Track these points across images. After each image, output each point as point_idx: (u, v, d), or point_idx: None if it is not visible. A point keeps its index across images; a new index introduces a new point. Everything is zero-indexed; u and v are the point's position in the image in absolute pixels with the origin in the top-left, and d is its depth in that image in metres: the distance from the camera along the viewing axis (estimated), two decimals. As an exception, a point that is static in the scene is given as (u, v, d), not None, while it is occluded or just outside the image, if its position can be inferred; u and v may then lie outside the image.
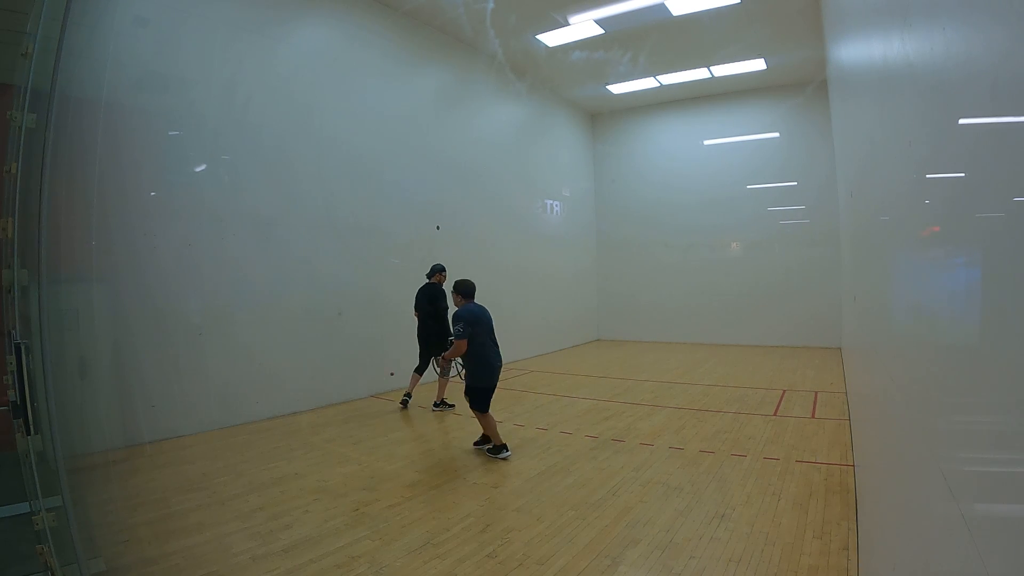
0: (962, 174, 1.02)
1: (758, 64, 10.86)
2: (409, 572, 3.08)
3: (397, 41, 8.60)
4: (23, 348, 2.22)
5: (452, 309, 5.33)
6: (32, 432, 2.26)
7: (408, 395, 7.03)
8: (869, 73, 2.55)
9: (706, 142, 12.97)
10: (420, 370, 7.00)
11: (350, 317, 7.67)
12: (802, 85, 11.22)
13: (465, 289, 5.15)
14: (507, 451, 5.02)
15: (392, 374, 7.37)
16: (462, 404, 7.14)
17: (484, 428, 5.11)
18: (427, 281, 6.98)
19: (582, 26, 9.16)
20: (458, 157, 9.83)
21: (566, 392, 7.95)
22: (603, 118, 14.30)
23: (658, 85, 12.12)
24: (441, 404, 6.96)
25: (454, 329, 4.92)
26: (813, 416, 6.21)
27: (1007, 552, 0.79)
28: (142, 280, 5.56)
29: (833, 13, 5.66)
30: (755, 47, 10.09)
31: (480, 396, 5.02)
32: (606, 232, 14.42)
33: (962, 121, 1.00)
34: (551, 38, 9.63)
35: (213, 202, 6.22)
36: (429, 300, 6.85)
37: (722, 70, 11.22)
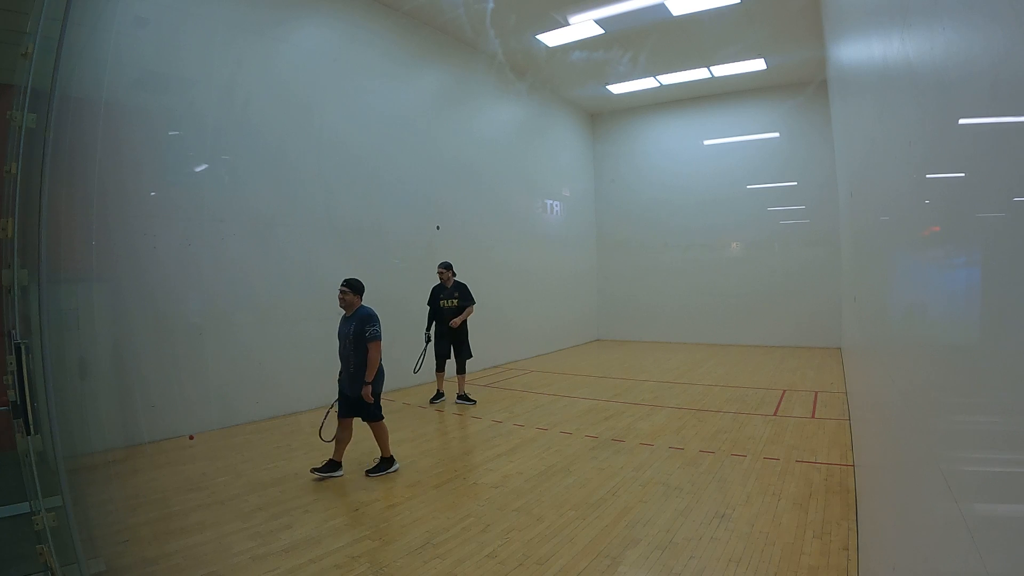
0: (962, 174, 1.02)
1: (758, 64, 10.86)
2: (409, 572, 3.08)
3: (397, 41, 8.60)
4: (23, 348, 2.22)
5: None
6: (32, 432, 2.26)
7: (440, 394, 7.27)
8: (869, 73, 2.54)
9: (706, 142, 12.97)
10: (441, 367, 7.21)
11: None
12: (802, 85, 11.22)
13: (363, 288, 4.77)
14: (397, 464, 4.74)
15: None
16: (481, 400, 7.33)
17: (381, 438, 4.72)
18: (449, 268, 7.08)
19: (582, 26, 9.16)
20: (458, 157, 9.83)
21: (566, 392, 7.95)
22: (603, 118, 14.30)
23: (658, 85, 12.12)
24: (464, 397, 7.20)
25: (370, 331, 4.52)
26: (813, 416, 6.21)
27: (1007, 552, 0.79)
28: (142, 280, 5.57)
29: (833, 13, 5.66)
30: (755, 47, 10.08)
31: (379, 402, 4.71)
32: (606, 232, 14.42)
33: (962, 121, 1.00)
34: (551, 38, 9.62)
35: (213, 202, 6.22)
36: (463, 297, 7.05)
37: (722, 70, 11.22)
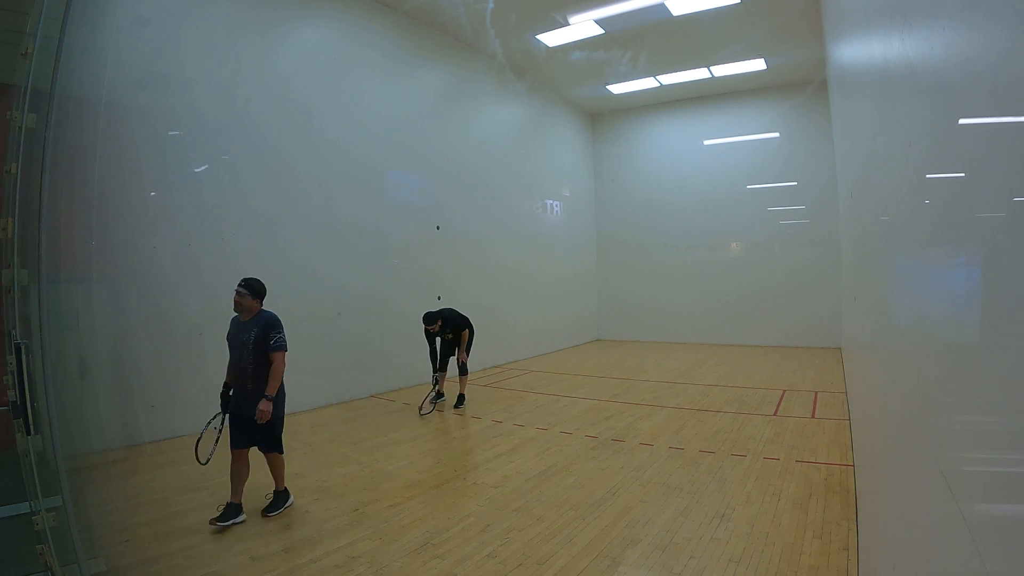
0: (962, 174, 1.02)
1: (758, 64, 10.86)
2: (409, 572, 3.08)
3: (397, 41, 8.60)
4: (23, 348, 2.22)
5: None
6: (32, 432, 2.26)
7: (440, 394, 7.15)
8: (869, 73, 2.55)
9: (706, 142, 12.97)
10: (443, 367, 7.12)
11: (349, 317, 7.67)
12: (802, 85, 11.22)
13: (264, 292, 4.07)
14: (292, 497, 4.06)
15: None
16: (481, 400, 7.24)
17: (278, 470, 3.99)
18: (434, 322, 6.70)
19: (582, 26, 9.16)
20: (458, 157, 9.83)
21: (566, 392, 7.95)
22: (603, 118, 14.30)
23: (658, 85, 12.12)
24: (461, 397, 7.13)
25: (276, 338, 3.86)
26: (813, 416, 6.21)
27: (1007, 552, 0.79)
28: (142, 280, 5.56)
29: (833, 13, 5.66)
30: (755, 47, 10.09)
31: (281, 428, 4.00)
32: (606, 232, 14.43)
33: (962, 121, 1.00)
34: (551, 38, 9.63)
35: (213, 202, 6.22)
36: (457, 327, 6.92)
37: (722, 70, 11.22)
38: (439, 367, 7.06)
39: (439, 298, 8.70)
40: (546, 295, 12.14)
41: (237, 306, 3.97)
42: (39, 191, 2.30)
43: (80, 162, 3.76)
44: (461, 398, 7.09)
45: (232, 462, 3.86)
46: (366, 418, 6.64)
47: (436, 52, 9.39)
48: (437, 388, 7.20)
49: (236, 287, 3.98)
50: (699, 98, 12.83)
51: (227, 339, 4.02)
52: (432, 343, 6.95)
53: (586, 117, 14.32)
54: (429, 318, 6.68)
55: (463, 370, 7.03)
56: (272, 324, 3.93)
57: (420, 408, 6.75)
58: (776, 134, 12.18)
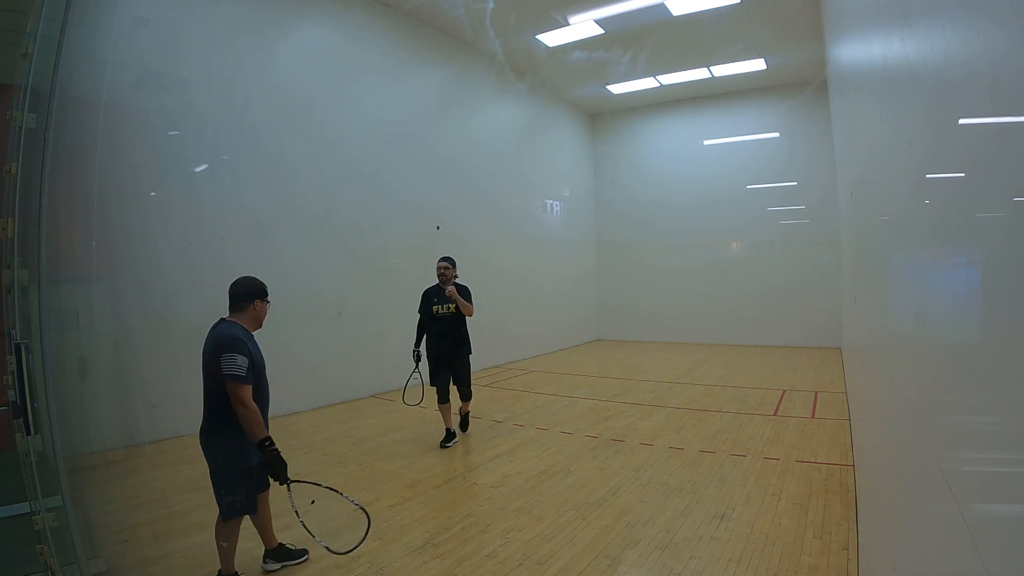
0: (962, 174, 1.02)
1: (758, 64, 10.86)
2: (409, 572, 3.08)
3: (397, 41, 8.60)
4: (23, 348, 2.22)
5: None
6: (32, 432, 2.26)
7: (451, 433, 5.58)
8: (869, 73, 2.55)
9: (706, 142, 12.97)
10: (444, 398, 5.54)
11: (350, 317, 7.67)
12: (802, 85, 11.22)
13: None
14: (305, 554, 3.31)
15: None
16: (481, 400, 6.11)
17: (267, 528, 3.31)
18: (454, 264, 5.51)
19: (582, 26, 9.16)
20: (458, 157, 9.83)
21: (566, 392, 7.95)
22: (603, 118, 14.30)
23: (658, 85, 12.12)
24: (465, 420, 5.86)
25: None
26: (813, 416, 6.21)
27: (1007, 552, 0.78)
28: (142, 280, 5.56)
29: (833, 13, 5.66)
30: (755, 47, 10.09)
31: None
32: (606, 232, 14.42)
33: (962, 121, 1.00)
34: (551, 38, 9.63)
35: (213, 202, 6.22)
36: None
37: (722, 70, 11.22)
38: (440, 398, 5.49)
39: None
40: (546, 295, 12.13)
41: (265, 318, 3.09)
42: (39, 191, 2.30)
43: (80, 162, 3.76)
44: (465, 420, 5.84)
45: (231, 532, 3.05)
46: (366, 418, 6.64)
47: (436, 52, 9.39)
48: (447, 428, 5.58)
49: (266, 296, 3.07)
50: (699, 98, 12.82)
51: (256, 368, 2.93)
52: (426, 313, 5.47)
53: (586, 117, 14.32)
54: (451, 259, 5.50)
55: (466, 394, 5.65)
56: (237, 342, 2.92)
57: (403, 395, 5.71)
58: (776, 134, 12.18)
